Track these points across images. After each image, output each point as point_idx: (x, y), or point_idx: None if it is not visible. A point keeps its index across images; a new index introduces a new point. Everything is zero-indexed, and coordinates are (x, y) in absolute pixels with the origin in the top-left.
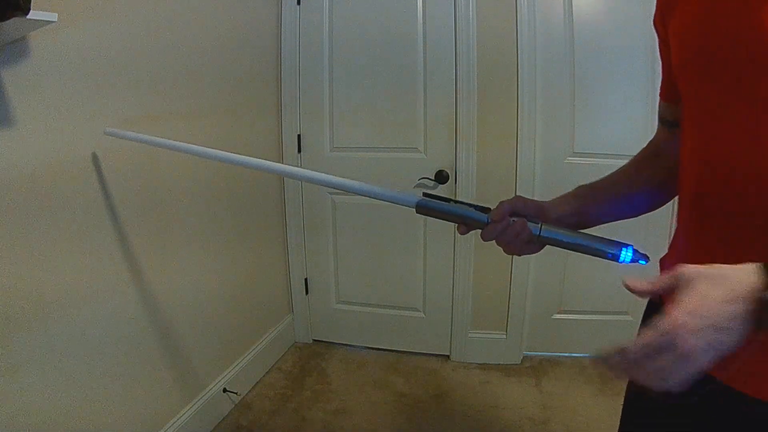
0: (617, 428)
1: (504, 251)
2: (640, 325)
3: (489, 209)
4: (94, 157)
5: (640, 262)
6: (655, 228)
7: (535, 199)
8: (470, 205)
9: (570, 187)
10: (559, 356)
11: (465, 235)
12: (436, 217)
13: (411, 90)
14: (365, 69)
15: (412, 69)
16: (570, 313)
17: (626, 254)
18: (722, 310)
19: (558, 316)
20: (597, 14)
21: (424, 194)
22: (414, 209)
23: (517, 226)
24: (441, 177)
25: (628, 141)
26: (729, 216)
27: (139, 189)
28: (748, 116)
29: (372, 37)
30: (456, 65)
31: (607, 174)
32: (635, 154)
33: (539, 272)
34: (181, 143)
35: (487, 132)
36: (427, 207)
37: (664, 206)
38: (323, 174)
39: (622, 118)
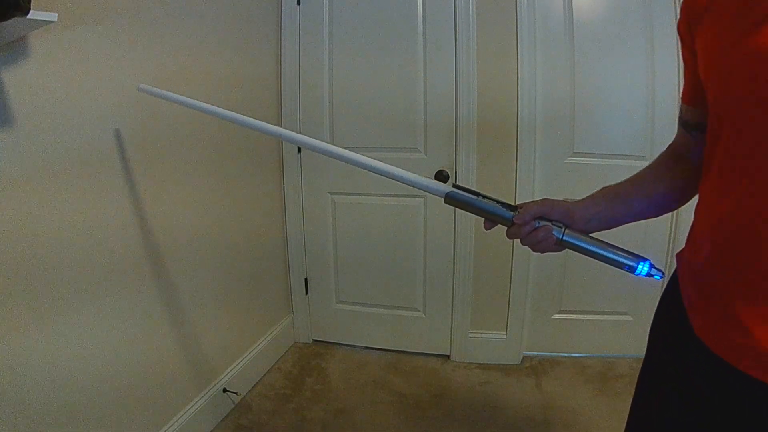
0: (618, 428)
1: (530, 249)
2: (654, 320)
3: (516, 207)
4: (94, 158)
5: (656, 277)
6: (655, 229)
7: (564, 200)
8: (498, 202)
9: (570, 187)
10: (559, 356)
11: (466, 237)
12: (463, 209)
13: (411, 89)
14: (365, 69)
15: (413, 66)
16: (570, 313)
17: (642, 268)
18: None
19: (558, 316)
20: (597, 12)
21: (455, 185)
22: (443, 200)
23: (542, 232)
24: (441, 177)
25: (628, 141)
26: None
27: (139, 192)
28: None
29: (372, 37)
30: (456, 64)
31: (604, 177)
32: (635, 154)
33: (539, 272)
34: (212, 106)
35: (487, 132)
36: (456, 199)
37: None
38: (357, 154)
39: (622, 118)
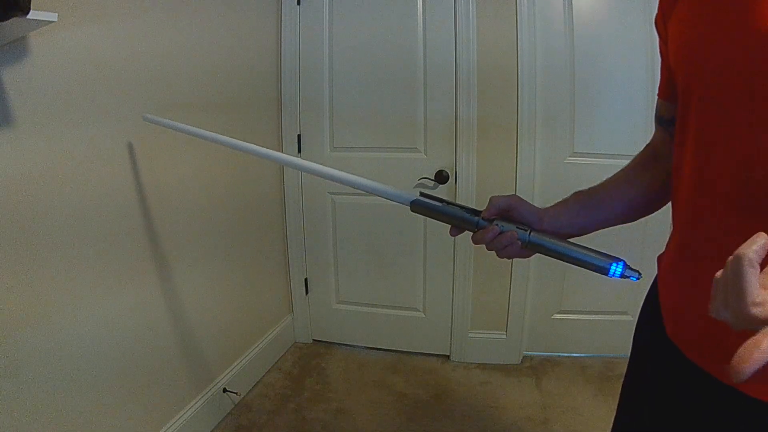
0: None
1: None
2: (637, 323)
3: (480, 212)
4: (93, 157)
5: (632, 278)
6: (653, 231)
7: (535, 204)
8: (462, 207)
9: (570, 188)
10: (559, 356)
11: (467, 236)
12: (429, 217)
13: (411, 90)
14: (365, 69)
15: (413, 69)
16: (570, 313)
17: (616, 269)
18: None
19: (558, 316)
20: (597, 15)
21: (421, 194)
22: (409, 207)
23: (507, 237)
24: (441, 177)
25: (628, 141)
26: (722, 217)
27: (140, 190)
28: (747, 118)
29: (372, 38)
30: (456, 65)
31: (604, 177)
32: (635, 154)
33: (539, 272)
34: (212, 133)
35: (487, 132)
36: (421, 206)
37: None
38: (325, 167)
39: (622, 118)
